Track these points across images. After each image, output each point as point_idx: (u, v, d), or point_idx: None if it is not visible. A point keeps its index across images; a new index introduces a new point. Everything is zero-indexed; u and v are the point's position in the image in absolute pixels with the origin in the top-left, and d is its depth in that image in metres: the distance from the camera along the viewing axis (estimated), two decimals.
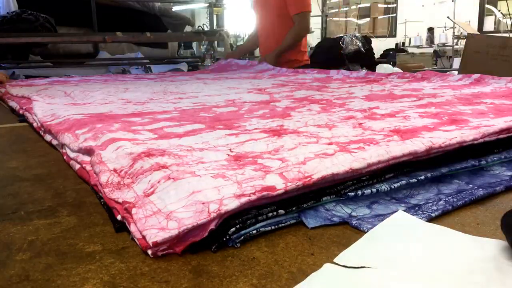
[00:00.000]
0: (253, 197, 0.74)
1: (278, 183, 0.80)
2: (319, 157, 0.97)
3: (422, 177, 0.95)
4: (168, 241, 0.67)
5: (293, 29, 3.97)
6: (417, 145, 1.01)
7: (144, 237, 0.70)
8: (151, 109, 1.87)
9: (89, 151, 1.18)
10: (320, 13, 9.71)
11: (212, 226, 0.70)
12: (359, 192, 0.87)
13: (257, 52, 5.37)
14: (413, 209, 0.84)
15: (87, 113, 1.75)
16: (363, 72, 3.38)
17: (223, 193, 0.77)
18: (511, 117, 1.33)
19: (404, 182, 0.93)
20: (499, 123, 1.22)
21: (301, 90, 2.45)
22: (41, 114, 1.86)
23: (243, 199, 0.73)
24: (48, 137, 1.62)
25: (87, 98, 2.30)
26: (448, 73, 3.25)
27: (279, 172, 0.86)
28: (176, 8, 7.66)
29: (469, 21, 8.34)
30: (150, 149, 1.10)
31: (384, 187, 0.90)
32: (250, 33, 4.69)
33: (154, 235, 0.68)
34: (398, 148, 0.98)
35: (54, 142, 1.53)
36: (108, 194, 0.89)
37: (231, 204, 0.71)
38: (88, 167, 1.12)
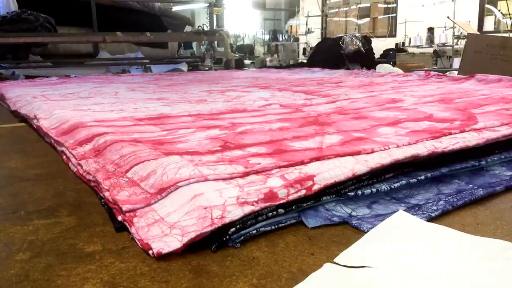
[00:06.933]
0: (257, 207, 0.74)
1: (280, 188, 0.79)
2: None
3: (422, 177, 0.95)
4: (172, 251, 0.67)
5: None
6: (420, 148, 1.00)
7: (148, 244, 0.70)
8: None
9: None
10: (320, 13, 9.70)
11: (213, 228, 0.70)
12: (359, 192, 0.87)
13: None
14: (413, 209, 0.84)
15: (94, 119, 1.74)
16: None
17: (225, 195, 0.76)
18: None
19: (404, 182, 0.93)
20: (502, 129, 1.21)
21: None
22: (47, 124, 1.82)
23: (247, 208, 0.73)
24: (48, 138, 1.62)
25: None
26: (447, 73, 3.24)
27: (280, 174, 0.85)
28: (176, 8, 7.66)
29: (469, 21, 8.34)
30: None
31: (384, 187, 0.90)
32: None
33: (159, 242, 0.68)
34: (400, 151, 0.98)
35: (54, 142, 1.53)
36: (107, 197, 0.89)
37: (235, 212, 0.72)
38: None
